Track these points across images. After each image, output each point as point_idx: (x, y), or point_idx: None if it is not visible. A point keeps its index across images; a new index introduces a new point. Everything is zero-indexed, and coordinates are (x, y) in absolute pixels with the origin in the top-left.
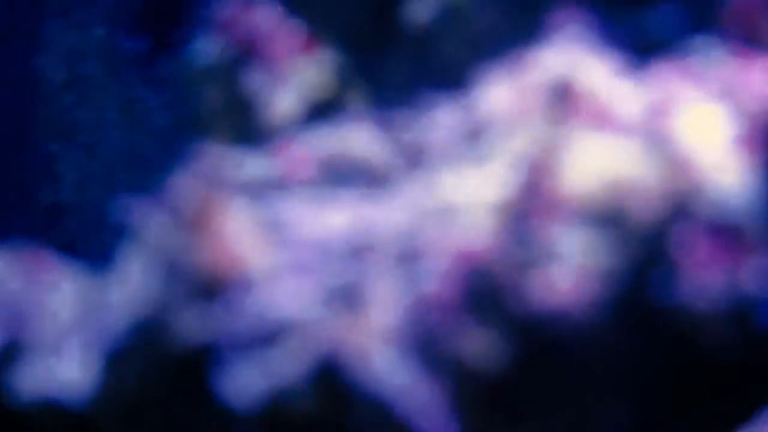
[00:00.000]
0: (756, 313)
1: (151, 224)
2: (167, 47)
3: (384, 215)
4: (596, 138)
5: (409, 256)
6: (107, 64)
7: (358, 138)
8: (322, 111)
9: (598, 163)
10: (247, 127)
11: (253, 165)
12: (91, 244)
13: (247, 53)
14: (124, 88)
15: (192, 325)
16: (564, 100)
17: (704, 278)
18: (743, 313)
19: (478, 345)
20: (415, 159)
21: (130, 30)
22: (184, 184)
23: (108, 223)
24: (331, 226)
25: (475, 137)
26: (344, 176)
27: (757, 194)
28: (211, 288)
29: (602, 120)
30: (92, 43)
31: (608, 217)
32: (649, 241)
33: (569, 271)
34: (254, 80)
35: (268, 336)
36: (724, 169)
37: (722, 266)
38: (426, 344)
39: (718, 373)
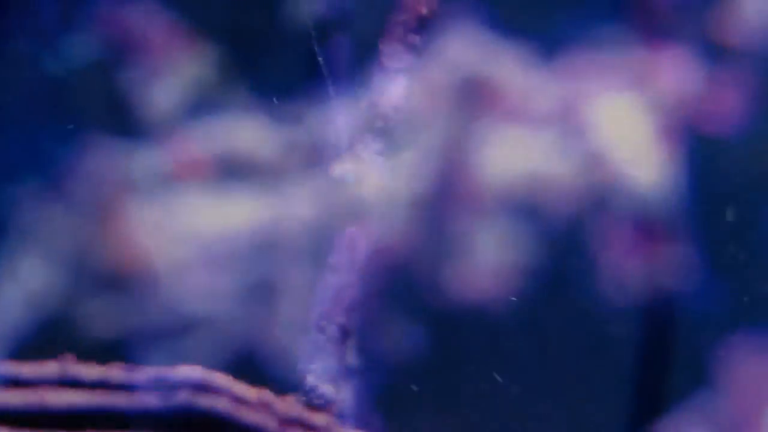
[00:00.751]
0: (671, 303)
1: (46, 220)
2: None
3: (289, 210)
4: (510, 132)
5: (321, 251)
6: None
7: (248, 133)
8: (204, 106)
9: (513, 157)
10: (128, 124)
11: (142, 161)
12: None
13: (124, 50)
14: None
15: (100, 320)
16: (475, 93)
17: (621, 271)
18: (659, 303)
19: (395, 338)
20: (314, 154)
21: None
22: (82, 179)
23: None
24: (234, 222)
25: (380, 131)
26: (237, 171)
27: (672, 187)
28: (117, 283)
29: (516, 113)
30: None
31: (525, 211)
32: (566, 234)
33: (486, 264)
34: (133, 76)
35: (180, 330)
36: (639, 162)
37: (639, 259)
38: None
39: (633, 364)
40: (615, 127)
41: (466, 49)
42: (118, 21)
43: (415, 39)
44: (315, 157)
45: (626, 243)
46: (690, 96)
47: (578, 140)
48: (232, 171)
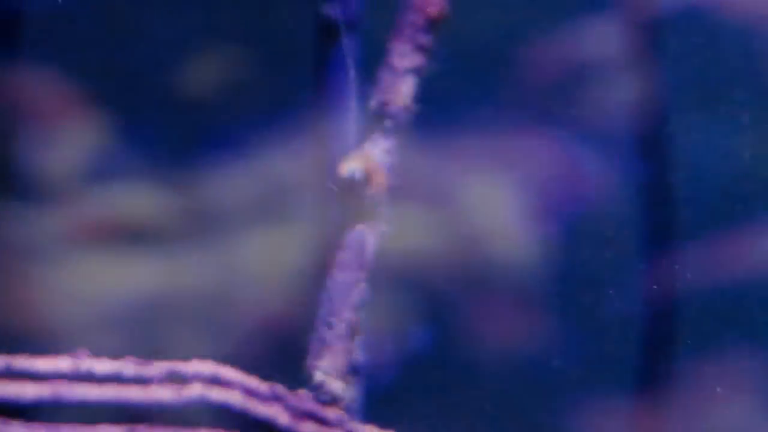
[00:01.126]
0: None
1: None
2: None
3: (182, 277)
4: (391, 210)
5: (212, 318)
6: None
7: (143, 198)
8: (100, 171)
9: (395, 234)
10: (26, 189)
11: (40, 225)
12: None
13: (18, 115)
14: None
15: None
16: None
17: (494, 340)
18: (529, 371)
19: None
20: (204, 222)
21: None
22: None
23: None
24: (130, 285)
25: (268, 202)
26: (133, 236)
27: (541, 262)
28: (16, 343)
29: (392, 193)
30: None
31: (405, 283)
32: (443, 306)
33: (369, 333)
34: (27, 141)
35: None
36: (510, 239)
37: (509, 327)
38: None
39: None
40: (488, 206)
41: (349, 130)
42: (14, 89)
43: (424, 39)
44: (208, 223)
45: (498, 313)
46: (558, 177)
47: (455, 219)
48: (128, 235)
